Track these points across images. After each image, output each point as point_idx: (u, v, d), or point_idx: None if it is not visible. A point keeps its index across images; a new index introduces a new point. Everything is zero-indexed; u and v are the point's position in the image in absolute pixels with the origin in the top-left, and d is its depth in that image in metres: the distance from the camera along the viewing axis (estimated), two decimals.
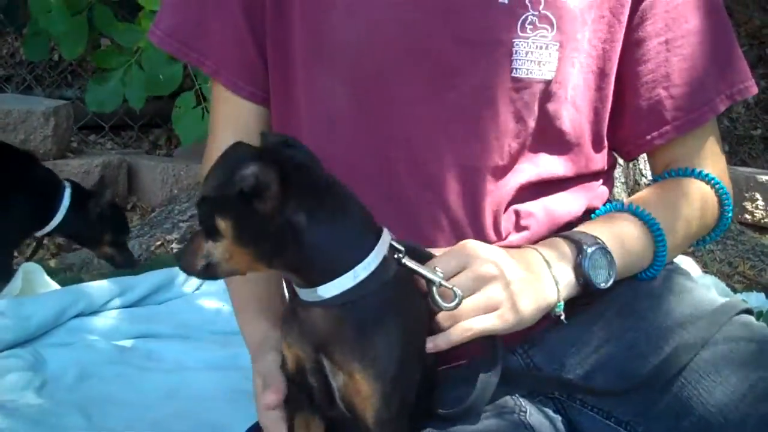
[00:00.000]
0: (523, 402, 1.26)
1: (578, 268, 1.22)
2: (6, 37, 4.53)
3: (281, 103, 1.35)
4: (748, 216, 3.30)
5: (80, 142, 4.20)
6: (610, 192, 1.44)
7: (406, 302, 1.14)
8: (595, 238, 1.25)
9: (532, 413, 1.25)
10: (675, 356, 1.22)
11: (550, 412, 1.29)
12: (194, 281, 2.25)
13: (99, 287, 2.11)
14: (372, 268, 1.08)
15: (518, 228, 1.31)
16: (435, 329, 1.16)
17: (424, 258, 1.18)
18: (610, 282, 1.24)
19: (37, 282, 2.21)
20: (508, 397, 1.26)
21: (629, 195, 2.97)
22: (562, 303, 1.22)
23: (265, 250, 1.06)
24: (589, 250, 1.22)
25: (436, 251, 1.20)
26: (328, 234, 1.07)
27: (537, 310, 1.20)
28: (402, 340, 1.12)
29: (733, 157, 4.16)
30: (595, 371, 1.29)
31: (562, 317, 1.23)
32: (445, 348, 1.16)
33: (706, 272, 2.77)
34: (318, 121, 1.30)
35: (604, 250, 1.24)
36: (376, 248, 1.09)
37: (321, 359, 1.12)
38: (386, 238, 1.12)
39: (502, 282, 1.17)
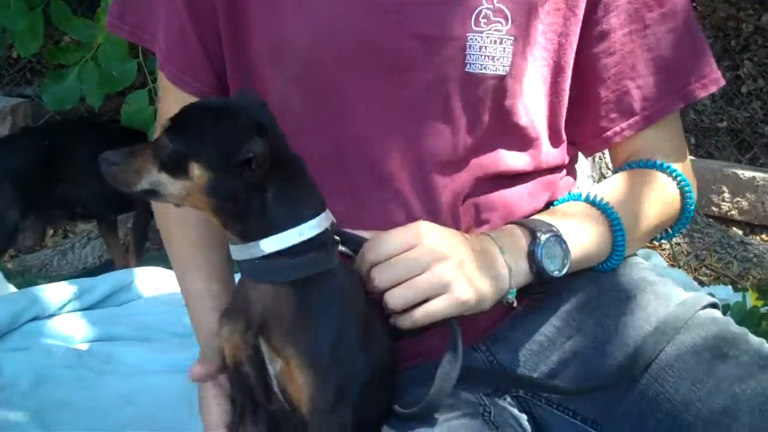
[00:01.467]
0: (487, 401, 1.25)
1: (531, 256, 1.20)
2: None
3: None
4: (714, 208, 3.31)
5: None
6: (573, 185, 1.42)
7: (349, 293, 1.14)
8: (550, 225, 1.23)
9: (496, 412, 1.23)
10: (640, 353, 1.20)
11: (515, 411, 1.28)
12: (154, 283, 2.21)
13: (56, 289, 2.07)
14: (316, 230, 1.11)
15: (478, 222, 1.29)
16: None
17: (355, 241, 1.19)
18: (564, 271, 1.22)
19: None
20: (471, 397, 1.24)
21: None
22: (514, 290, 1.20)
23: (223, 207, 1.10)
24: (543, 237, 1.20)
25: (372, 233, 1.18)
26: (287, 207, 1.11)
27: (491, 292, 1.18)
28: (341, 329, 1.12)
29: (698, 150, 4.18)
30: (560, 369, 1.27)
31: (514, 304, 1.21)
32: (408, 327, 1.15)
33: (672, 265, 2.77)
34: (278, 119, 1.27)
35: (558, 237, 1.22)
36: (322, 215, 1.12)
37: (259, 344, 1.12)
38: (329, 215, 1.14)
39: (454, 261, 1.15)
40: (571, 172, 1.42)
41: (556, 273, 1.21)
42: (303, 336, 1.10)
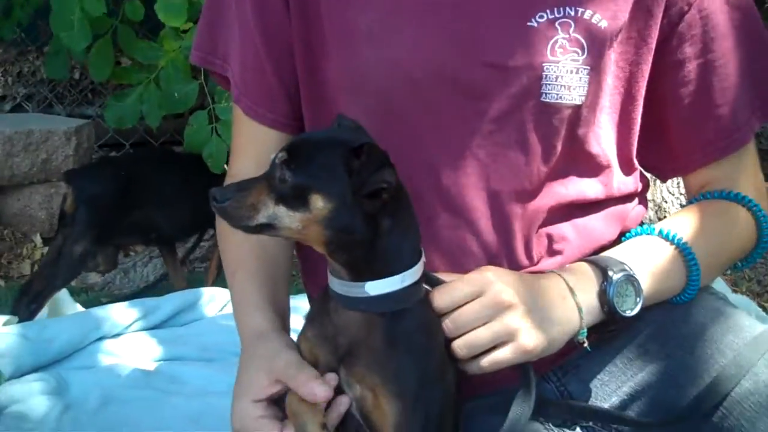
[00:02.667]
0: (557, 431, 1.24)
1: (603, 295, 1.20)
2: (27, 55, 4.54)
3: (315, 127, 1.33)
4: None
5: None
6: (644, 213, 1.41)
7: (431, 326, 1.15)
8: (622, 264, 1.22)
9: None
10: (715, 387, 1.18)
11: None
12: (218, 303, 2.23)
13: (122, 309, 2.10)
14: (416, 277, 1.12)
15: (551, 252, 1.28)
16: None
17: (438, 284, 1.18)
18: (636, 310, 1.21)
19: (63, 305, 2.20)
20: (541, 428, 1.24)
21: (655, 214, 2.93)
22: (585, 330, 1.20)
23: (340, 239, 1.09)
24: (615, 277, 1.20)
25: (452, 276, 1.18)
26: (397, 241, 1.11)
27: (559, 336, 1.18)
28: (426, 362, 1.12)
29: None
30: (631, 400, 1.26)
31: (585, 344, 1.20)
32: (475, 373, 1.15)
33: (735, 291, 2.72)
34: None
35: (631, 277, 1.21)
36: (420, 261, 1.13)
37: (338, 369, 1.12)
38: (423, 256, 1.15)
39: (520, 309, 1.15)
40: (643, 200, 1.41)
41: (628, 312, 1.21)
42: (390, 366, 1.10)
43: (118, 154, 4.38)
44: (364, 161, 1.06)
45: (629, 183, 1.35)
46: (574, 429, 1.28)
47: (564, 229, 1.29)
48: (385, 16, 1.24)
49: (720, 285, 2.57)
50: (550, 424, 1.25)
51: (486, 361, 1.15)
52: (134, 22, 3.38)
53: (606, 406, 1.27)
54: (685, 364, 1.24)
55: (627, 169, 1.35)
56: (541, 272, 1.24)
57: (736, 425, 1.17)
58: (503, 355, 1.15)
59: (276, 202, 1.07)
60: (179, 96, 3.10)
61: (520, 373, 1.17)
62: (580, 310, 1.19)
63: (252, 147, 1.38)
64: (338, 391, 1.13)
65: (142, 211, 2.88)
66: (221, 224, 1.39)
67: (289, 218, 1.07)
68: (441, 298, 1.15)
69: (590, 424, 1.28)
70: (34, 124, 3.64)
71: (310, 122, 1.34)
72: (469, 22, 1.22)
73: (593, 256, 1.26)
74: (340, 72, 1.27)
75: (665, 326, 1.29)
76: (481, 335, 1.14)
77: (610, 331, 1.24)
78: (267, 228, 1.09)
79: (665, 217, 1.37)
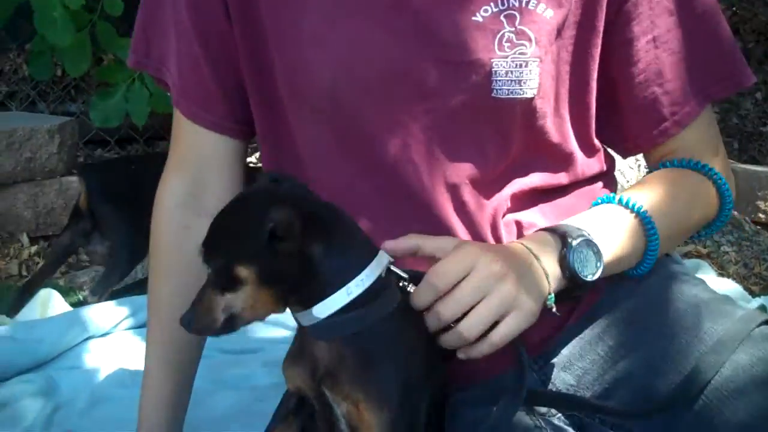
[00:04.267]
0: (543, 421, 1.25)
1: (563, 261, 1.20)
2: (8, 53, 4.52)
3: (272, 148, 1.33)
4: (762, 215, 3.25)
5: (86, 157, 4.18)
6: (614, 192, 1.41)
7: (412, 329, 1.14)
8: (581, 230, 1.22)
9: None
10: (696, 374, 1.19)
11: (570, 430, 1.27)
12: None
13: (109, 308, 2.10)
14: (365, 285, 1.09)
15: (521, 237, 1.28)
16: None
17: (414, 278, 1.16)
18: (597, 274, 1.21)
19: (53, 307, 2.20)
20: (526, 417, 1.24)
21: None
22: (552, 295, 1.20)
23: (285, 288, 1.09)
24: (574, 242, 1.20)
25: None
26: (337, 261, 1.10)
27: (538, 302, 1.18)
28: (407, 369, 1.12)
29: (743, 155, 4.13)
30: (613, 389, 1.27)
31: (554, 309, 1.20)
32: (477, 357, 1.15)
33: (721, 275, 2.74)
34: (305, 151, 1.30)
35: (589, 242, 1.21)
36: (369, 266, 1.10)
37: (323, 390, 1.13)
38: (382, 257, 1.13)
39: (513, 275, 1.14)
40: (610, 179, 1.42)
41: (589, 277, 1.21)
42: (369, 381, 1.10)
43: (104, 151, 4.37)
44: (248, 213, 1.07)
45: (593, 164, 1.36)
46: (558, 416, 1.29)
47: (531, 215, 1.30)
48: (326, 16, 1.23)
49: (705, 268, 2.59)
50: (536, 414, 1.26)
51: (497, 336, 1.14)
52: (113, 17, 3.37)
53: (588, 395, 1.28)
54: (666, 352, 1.24)
55: (589, 151, 1.35)
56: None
57: (716, 413, 1.18)
58: (511, 324, 1.14)
59: (222, 294, 1.08)
60: (165, 94, 3.09)
61: (514, 356, 1.17)
62: (546, 274, 1.18)
63: (191, 150, 1.37)
64: (329, 409, 1.14)
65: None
66: (151, 273, 1.42)
67: (237, 300, 1.07)
68: (433, 285, 1.13)
69: (573, 413, 1.29)
70: (16, 122, 3.61)
71: (261, 128, 1.33)
72: (412, 17, 1.22)
73: (552, 225, 1.26)
74: (286, 75, 1.26)
75: (646, 314, 1.30)
76: (483, 312, 1.13)
77: (573, 297, 1.24)
78: (233, 320, 1.09)
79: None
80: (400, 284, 1.15)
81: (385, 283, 1.12)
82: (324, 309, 1.09)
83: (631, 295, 1.31)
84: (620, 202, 1.29)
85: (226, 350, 2.00)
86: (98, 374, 1.91)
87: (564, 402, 1.29)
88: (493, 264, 1.14)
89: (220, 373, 1.89)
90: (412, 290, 1.14)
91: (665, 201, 1.31)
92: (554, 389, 1.30)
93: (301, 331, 1.16)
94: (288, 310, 1.13)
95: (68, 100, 4.51)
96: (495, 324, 1.14)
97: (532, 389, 1.28)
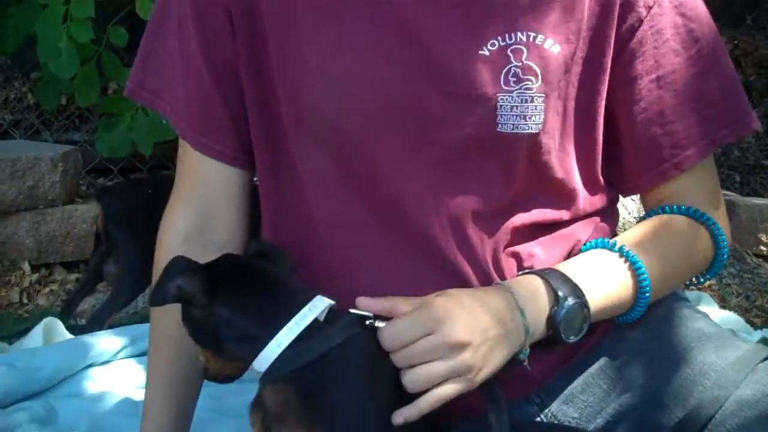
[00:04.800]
0: None
1: (551, 320, 1.19)
2: (14, 82, 4.54)
3: (273, 180, 1.33)
4: (763, 248, 3.25)
5: (89, 185, 4.18)
6: (615, 225, 1.41)
7: (364, 364, 1.13)
8: (575, 287, 1.20)
9: None
10: (700, 409, 1.19)
11: None
12: None
13: (109, 336, 2.09)
14: (296, 332, 1.10)
15: (521, 270, 1.28)
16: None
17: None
18: (579, 337, 1.21)
19: (57, 335, 2.19)
20: None
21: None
22: (527, 350, 1.18)
23: (213, 346, 1.15)
24: (567, 303, 1.19)
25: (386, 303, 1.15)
26: (250, 317, 1.13)
27: (504, 359, 1.16)
28: (360, 404, 1.11)
29: (744, 188, 4.13)
30: (616, 422, 1.26)
31: (526, 363, 1.19)
32: (416, 418, 1.12)
33: (723, 307, 2.73)
34: (308, 184, 1.29)
35: (582, 305, 1.20)
36: (299, 313, 1.11)
37: None
38: (318, 302, 1.13)
39: (471, 347, 1.12)
40: (612, 213, 1.40)
41: (571, 339, 1.20)
42: (316, 422, 1.09)
43: (106, 180, 4.38)
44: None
45: (596, 201, 1.35)
46: None
47: (531, 246, 1.29)
48: (332, 46, 1.22)
49: (707, 300, 2.58)
50: None
51: (436, 395, 1.12)
52: (119, 48, 3.40)
53: (591, 428, 1.27)
54: (669, 386, 1.24)
55: (593, 188, 1.34)
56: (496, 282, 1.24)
57: None
58: (452, 388, 1.13)
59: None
60: (166, 123, 3.11)
61: (488, 399, 1.16)
62: (526, 330, 1.17)
63: (198, 181, 1.36)
64: None
65: None
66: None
67: (203, 359, 1.19)
68: (389, 340, 1.12)
69: None
70: (20, 150, 3.63)
71: (261, 162, 1.32)
72: (420, 49, 1.21)
73: (547, 270, 1.24)
74: (290, 104, 1.26)
75: (649, 348, 1.29)
76: (434, 370, 1.12)
77: (549, 350, 1.22)
78: (210, 373, 1.21)
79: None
80: (366, 322, 1.14)
81: (326, 326, 1.12)
82: (260, 363, 1.11)
83: (634, 328, 1.30)
84: (612, 248, 1.27)
85: None
86: (98, 402, 1.90)
87: None
88: (452, 334, 1.11)
89: (221, 402, 1.88)
90: (379, 325, 1.13)
91: (661, 251, 1.29)
92: (557, 422, 1.29)
93: None
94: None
95: (72, 129, 4.52)
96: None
97: (532, 422, 1.28)
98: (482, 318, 1.15)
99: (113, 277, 2.96)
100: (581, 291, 1.20)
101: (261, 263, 1.18)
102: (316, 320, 1.11)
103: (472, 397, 1.16)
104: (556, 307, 1.19)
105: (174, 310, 1.30)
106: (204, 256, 1.28)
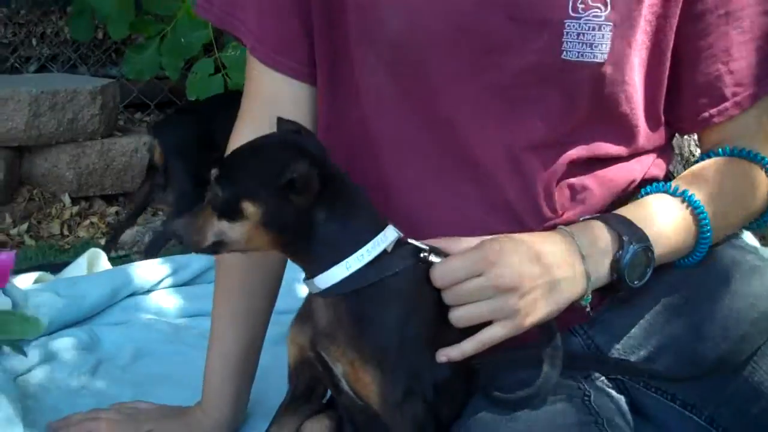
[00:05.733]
0: (586, 384, 1.25)
1: (615, 264, 1.18)
2: (51, 15, 4.55)
3: (333, 94, 1.32)
4: None
5: (126, 120, 4.22)
6: (670, 161, 1.39)
7: (411, 295, 1.15)
8: (641, 232, 1.19)
9: (595, 396, 1.23)
10: (745, 340, 1.19)
11: (614, 393, 1.28)
12: None
13: (152, 266, 2.11)
14: (365, 260, 1.12)
15: (574, 203, 1.27)
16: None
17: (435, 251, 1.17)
18: (644, 281, 1.20)
19: (99, 266, 2.22)
20: (569, 380, 1.24)
21: (683, 166, 2.90)
22: (589, 296, 1.18)
23: (283, 239, 1.13)
24: (632, 248, 1.18)
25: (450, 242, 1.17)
26: (337, 230, 1.13)
27: (563, 304, 1.17)
28: (402, 329, 1.13)
29: None
30: (659, 354, 1.26)
31: (588, 309, 1.19)
32: (458, 359, 1.14)
33: (764, 246, 2.70)
34: (366, 98, 1.28)
35: (647, 249, 1.19)
36: (372, 241, 1.13)
37: (319, 351, 1.16)
38: (389, 233, 1.14)
39: (518, 293, 1.13)
40: (667, 150, 1.39)
41: (636, 283, 1.19)
42: (363, 339, 1.13)
43: (143, 114, 4.40)
44: (274, 157, 1.10)
45: (655, 138, 1.33)
46: (601, 380, 1.28)
47: (586, 180, 1.28)
48: None
49: (748, 238, 2.56)
50: (579, 377, 1.26)
51: (481, 337, 1.14)
52: None
53: (633, 359, 1.27)
54: (714, 317, 1.24)
55: (654, 126, 1.33)
56: (559, 225, 1.23)
57: (765, 378, 1.18)
58: (498, 332, 1.14)
59: (219, 219, 1.11)
60: (185, 42, 3.12)
61: (544, 329, 1.17)
62: (588, 277, 1.17)
63: (267, 99, 1.35)
64: (328, 368, 1.16)
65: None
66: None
67: (231, 231, 1.11)
68: (440, 278, 1.14)
69: (618, 377, 1.29)
70: (59, 83, 3.65)
71: (324, 76, 1.31)
72: None
73: (610, 215, 1.23)
74: (356, 17, 1.25)
75: (694, 280, 1.28)
76: (479, 310, 1.13)
77: (613, 296, 1.23)
78: (219, 246, 1.13)
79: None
80: (421, 255, 1.15)
81: (388, 256, 1.14)
82: (323, 281, 1.13)
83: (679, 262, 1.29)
84: (674, 192, 1.26)
85: None
86: (141, 330, 1.92)
87: (608, 365, 1.29)
88: (503, 275, 1.12)
89: None
90: (433, 259, 1.15)
91: (719, 194, 1.28)
92: (600, 353, 1.29)
93: (309, 294, 1.19)
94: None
95: (109, 64, 4.54)
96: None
97: (575, 352, 1.28)
98: (535, 265, 1.15)
99: (169, 206, 3.05)
100: (645, 235, 1.20)
101: (346, 177, 1.16)
102: (384, 250, 1.13)
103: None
104: (620, 252, 1.18)
105: None
106: None
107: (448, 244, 1.16)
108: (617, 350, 1.29)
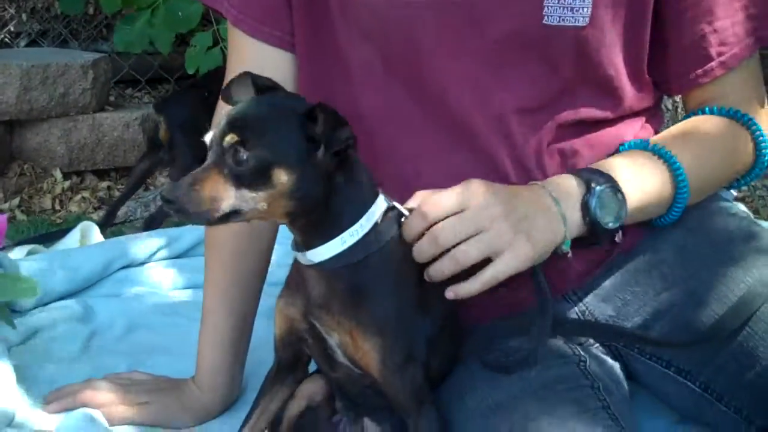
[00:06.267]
0: (581, 351, 1.25)
1: (585, 206, 1.18)
2: None
3: (312, 52, 1.30)
4: None
5: (117, 96, 4.19)
6: (660, 124, 1.39)
7: (402, 263, 1.14)
8: (608, 176, 1.20)
9: (590, 362, 1.23)
10: (740, 306, 1.19)
11: (609, 359, 1.28)
12: None
13: (145, 238, 2.11)
14: (359, 235, 1.10)
15: (564, 167, 1.27)
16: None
17: None
18: (619, 223, 1.19)
19: (92, 239, 2.21)
20: (564, 346, 1.25)
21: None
22: (568, 241, 1.18)
23: (302, 206, 1.07)
24: (598, 188, 1.18)
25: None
26: (346, 198, 1.10)
27: (546, 246, 1.16)
28: (398, 297, 1.13)
29: None
30: (654, 320, 1.27)
31: (569, 255, 1.18)
32: (466, 296, 1.13)
33: (757, 218, 2.71)
34: (356, 74, 1.28)
35: (614, 188, 1.19)
36: (366, 214, 1.10)
37: (312, 321, 1.14)
38: (380, 203, 1.12)
39: (511, 217, 1.12)
40: (657, 112, 1.39)
41: (610, 225, 1.19)
42: (361, 309, 1.11)
43: (134, 90, 4.38)
44: (324, 124, 1.04)
45: (642, 99, 1.33)
46: (596, 346, 1.29)
47: (576, 144, 1.28)
48: None
49: (742, 207, 2.56)
50: (574, 343, 1.26)
51: (487, 275, 1.12)
52: None
53: (628, 325, 1.28)
54: (709, 283, 1.24)
55: (639, 86, 1.32)
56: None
57: (760, 344, 1.18)
58: (502, 265, 1.12)
59: (237, 187, 1.03)
60: (183, 15, 3.09)
61: (535, 290, 1.17)
62: (564, 219, 1.16)
63: (253, 69, 1.27)
64: (321, 338, 1.15)
65: None
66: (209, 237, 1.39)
67: (253, 200, 1.03)
68: (429, 209, 1.12)
69: (611, 342, 1.29)
70: (50, 57, 3.62)
71: (302, 47, 1.30)
72: None
73: (580, 168, 1.23)
74: None
75: (688, 246, 1.29)
76: (465, 249, 1.11)
77: (592, 244, 1.22)
78: (233, 215, 1.05)
79: None
80: (402, 219, 1.14)
81: (380, 228, 1.12)
82: (317, 255, 1.10)
83: (674, 227, 1.30)
84: (653, 149, 1.26)
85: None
86: (135, 302, 1.92)
87: (602, 331, 1.29)
88: (490, 207, 1.12)
89: None
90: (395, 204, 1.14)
91: (699, 152, 1.28)
92: (594, 320, 1.30)
93: (297, 263, 1.16)
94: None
95: (100, 39, 4.50)
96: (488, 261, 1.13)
97: (569, 318, 1.29)
98: (517, 199, 1.15)
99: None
100: (612, 177, 1.19)
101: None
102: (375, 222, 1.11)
103: (515, 294, 1.17)
104: (587, 195, 1.18)
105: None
106: None
107: (424, 198, 1.14)
108: (611, 317, 1.29)
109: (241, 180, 1.03)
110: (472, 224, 1.11)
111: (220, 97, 1.16)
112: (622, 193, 1.19)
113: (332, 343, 1.15)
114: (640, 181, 1.23)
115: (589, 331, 1.29)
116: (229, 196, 1.03)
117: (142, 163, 3.11)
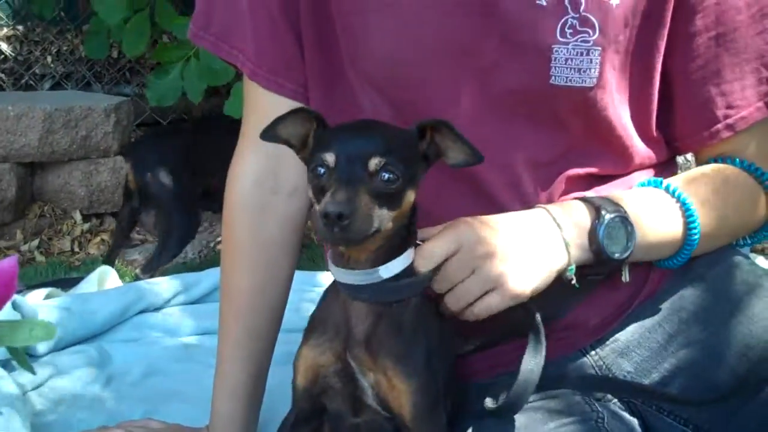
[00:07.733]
0: (599, 406, 1.24)
1: (593, 234, 1.17)
2: (66, 34, 4.58)
3: (326, 96, 1.31)
4: None
5: (138, 138, 4.23)
6: (673, 175, 1.37)
7: (428, 305, 1.16)
8: (618, 206, 1.19)
9: (608, 418, 1.22)
10: (761, 365, 1.18)
11: (627, 416, 1.27)
12: None
13: (162, 284, 2.12)
14: (413, 255, 1.13)
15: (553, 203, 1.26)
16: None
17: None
18: (626, 255, 1.18)
19: (110, 284, 2.22)
20: (582, 402, 1.24)
21: None
22: (573, 267, 1.17)
23: (409, 223, 1.12)
24: (608, 216, 1.17)
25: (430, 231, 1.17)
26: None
27: (547, 274, 1.15)
28: (430, 340, 1.14)
29: None
30: (673, 377, 1.26)
31: (574, 281, 1.17)
32: (472, 320, 1.15)
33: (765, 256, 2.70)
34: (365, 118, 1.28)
35: (624, 219, 1.18)
36: (411, 248, 1.15)
37: (348, 360, 1.14)
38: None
39: (497, 258, 1.12)
40: (670, 167, 1.38)
41: (617, 255, 1.18)
42: (399, 348, 1.12)
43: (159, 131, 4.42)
44: (441, 138, 1.10)
45: (652, 155, 1.33)
46: (614, 402, 1.28)
47: (587, 194, 1.27)
48: None
49: (763, 264, 2.55)
50: (592, 400, 1.25)
51: (477, 307, 1.14)
52: None
53: (647, 382, 1.27)
54: (730, 341, 1.23)
55: (649, 143, 1.32)
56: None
57: None
58: (492, 300, 1.13)
59: (380, 206, 1.06)
60: (219, 68, 3.11)
61: (528, 320, 1.16)
62: (567, 245, 1.16)
63: (269, 120, 1.30)
64: (352, 379, 1.14)
65: (213, 179, 2.94)
66: (229, 235, 1.38)
67: (387, 218, 1.07)
68: (422, 262, 1.13)
69: (631, 399, 1.28)
70: (73, 101, 3.67)
71: (319, 99, 1.30)
72: None
73: (591, 195, 1.23)
74: (347, 45, 1.25)
75: (707, 302, 1.28)
76: (467, 286, 1.13)
77: (597, 274, 1.21)
78: (375, 233, 1.06)
79: None
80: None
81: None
82: (389, 270, 1.11)
83: (692, 283, 1.29)
84: (666, 188, 1.26)
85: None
86: (151, 347, 1.92)
87: (621, 387, 1.28)
88: (477, 245, 1.13)
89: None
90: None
91: (713, 197, 1.27)
92: (612, 376, 1.28)
93: (335, 300, 1.16)
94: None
95: (123, 82, 4.56)
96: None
97: (587, 373, 1.28)
98: (509, 232, 1.15)
99: (150, 224, 3.05)
100: (621, 207, 1.19)
101: None
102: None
103: (502, 356, 1.17)
104: (596, 222, 1.17)
105: (249, 260, 1.29)
106: (273, 202, 1.29)
107: (424, 234, 1.16)
108: (630, 373, 1.28)
109: (381, 199, 1.06)
110: (464, 270, 1.13)
111: (259, 136, 1.16)
112: (631, 225, 1.19)
113: (365, 383, 1.14)
114: (650, 217, 1.22)
115: (608, 387, 1.28)
116: (377, 215, 1.05)
117: (123, 209, 3.14)
